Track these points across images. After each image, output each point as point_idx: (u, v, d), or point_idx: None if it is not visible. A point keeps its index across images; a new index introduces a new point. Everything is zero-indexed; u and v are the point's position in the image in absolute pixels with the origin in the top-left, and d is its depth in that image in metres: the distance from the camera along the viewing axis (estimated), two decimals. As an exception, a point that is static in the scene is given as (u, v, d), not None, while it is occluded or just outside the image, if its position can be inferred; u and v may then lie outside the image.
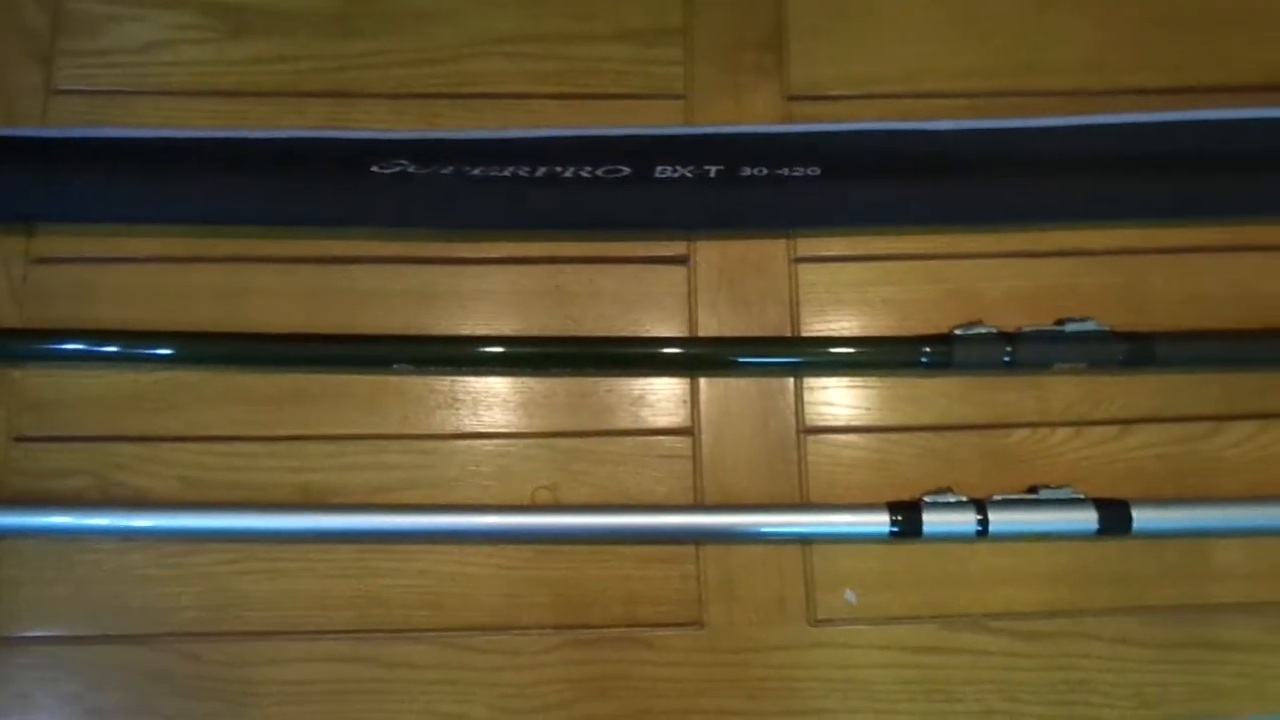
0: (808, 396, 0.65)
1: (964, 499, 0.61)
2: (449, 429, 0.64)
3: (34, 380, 0.64)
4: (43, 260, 0.66)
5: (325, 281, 0.66)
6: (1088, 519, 0.61)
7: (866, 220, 0.67)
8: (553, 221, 0.66)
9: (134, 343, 0.64)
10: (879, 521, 0.61)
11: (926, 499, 0.61)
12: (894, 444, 0.65)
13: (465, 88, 0.70)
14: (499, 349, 0.65)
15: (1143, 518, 0.61)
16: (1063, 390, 0.65)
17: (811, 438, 0.65)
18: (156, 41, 0.70)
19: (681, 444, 0.65)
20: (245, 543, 0.62)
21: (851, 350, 0.65)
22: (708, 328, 0.66)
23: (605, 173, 0.66)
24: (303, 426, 0.64)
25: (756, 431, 0.65)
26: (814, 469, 0.64)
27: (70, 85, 0.69)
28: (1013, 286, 0.67)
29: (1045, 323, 0.64)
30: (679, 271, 0.67)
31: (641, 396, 0.65)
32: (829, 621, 0.62)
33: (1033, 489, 0.62)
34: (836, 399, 0.66)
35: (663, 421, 0.65)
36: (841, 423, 0.65)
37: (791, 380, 0.66)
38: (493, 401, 0.65)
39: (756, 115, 0.70)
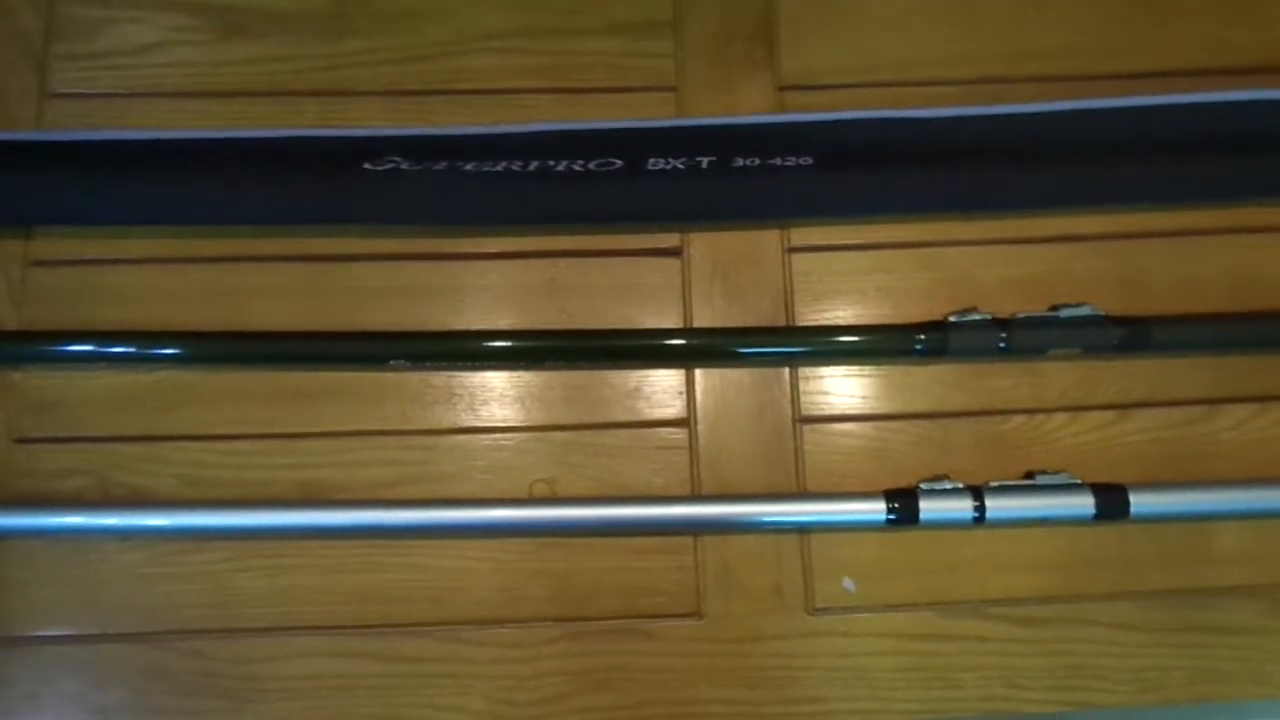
0: (803, 386, 0.66)
1: (960, 485, 0.61)
2: (446, 424, 0.65)
3: (33, 382, 0.65)
4: (41, 263, 0.67)
5: (321, 279, 0.67)
6: (1085, 504, 0.61)
7: (859, 209, 0.67)
8: (546, 216, 0.66)
9: (133, 343, 0.64)
10: (876, 509, 0.61)
11: (923, 486, 0.61)
12: (890, 432, 0.65)
13: (457, 84, 0.70)
14: (494, 344, 0.65)
15: (1140, 502, 0.61)
16: (1058, 376, 0.65)
17: (807, 427, 0.65)
18: (150, 44, 0.70)
19: (678, 435, 0.65)
20: (245, 540, 0.63)
21: (846, 339, 0.65)
22: (702, 319, 0.66)
23: (598, 166, 0.66)
24: (301, 424, 0.64)
25: (752, 422, 0.65)
26: (810, 458, 0.65)
27: (65, 89, 0.69)
28: (1007, 273, 0.67)
29: (1040, 308, 0.64)
30: (673, 263, 0.67)
31: (637, 389, 0.66)
32: (827, 610, 0.63)
33: (1029, 475, 0.62)
34: (832, 388, 0.66)
35: (659, 413, 0.65)
36: (837, 411, 0.65)
37: (787, 370, 0.66)
38: (489, 396, 0.65)
39: (748, 106, 0.70)
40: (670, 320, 0.67)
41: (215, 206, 0.66)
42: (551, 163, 0.66)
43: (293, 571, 0.62)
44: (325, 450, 0.64)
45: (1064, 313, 0.64)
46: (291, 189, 0.66)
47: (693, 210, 0.67)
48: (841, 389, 0.66)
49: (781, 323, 0.66)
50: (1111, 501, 0.61)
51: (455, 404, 0.65)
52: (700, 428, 0.65)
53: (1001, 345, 0.63)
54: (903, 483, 0.62)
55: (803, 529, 0.63)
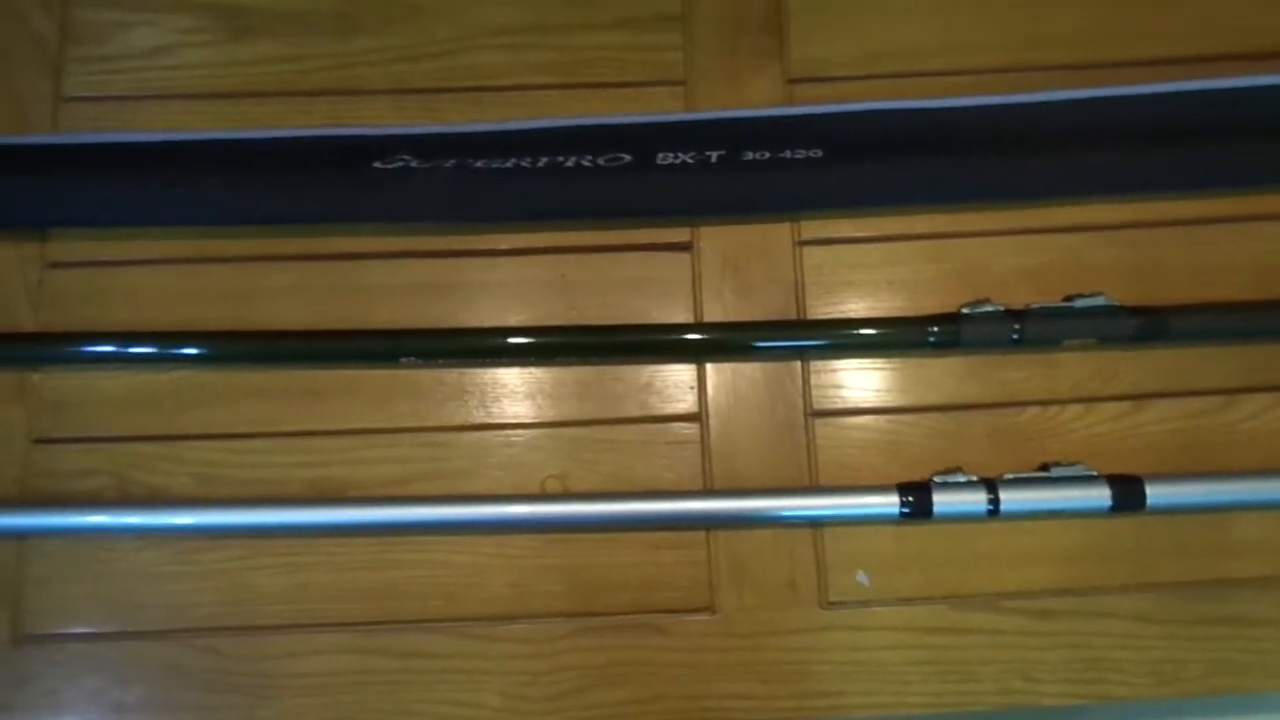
0: (815, 379, 0.65)
1: (974, 478, 0.61)
2: (458, 421, 0.65)
3: (52, 383, 0.65)
4: (57, 265, 0.67)
5: (333, 278, 0.67)
6: (1101, 496, 0.60)
7: (870, 201, 0.67)
8: (556, 212, 0.66)
9: (148, 344, 0.65)
10: (889, 503, 0.61)
11: (936, 479, 0.61)
12: (903, 425, 0.65)
13: (465, 81, 0.70)
14: (506, 340, 0.65)
15: (1156, 493, 0.60)
16: (1073, 367, 0.65)
17: (820, 420, 0.65)
18: (161, 46, 0.71)
19: (690, 430, 0.65)
20: (261, 538, 0.63)
21: (858, 332, 0.65)
22: (713, 313, 0.66)
23: (607, 161, 0.66)
24: (314, 422, 0.65)
25: (765, 416, 0.65)
26: (823, 452, 0.64)
27: (79, 92, 0.70)
28: (1020, 264, 0.66)
29: (1054, 299, 0.64)
30: (683, 258, 0.67)
31: (649, 384, 0.66)
32: (841, 604, 0.62)
33: (1044, 467, 0.62)
34: (844, 381, 0.65)
35: (670, 408, 0.65)
36: (850, 405, 0.65)
37: (799, 363, 0.65)
38: (501, 393, 0.65)
39: (758, 99, 0.69)
40: (681, 315, 0.66)
41: (227, 207, 0.67)
42: (561, 159, 0.66)
43: (307, 569, 0.63)
44: (338, 448, 0.64)
45: (1078, 303, 0.63)
46: (302, 189, 0.66)
47: (703, 204, 0.67)
48: (854, 382, 0.65)
49: (793, 316, 0.66)
50: (1128, 493, 0.60)
51: (467, 400, 0.65)
52: (712, 422, 0.65)
53: (1015, 337, 0.63)
54: (916, 476, 0.62)
55: (816, 523, 0.63)
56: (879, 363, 0.66)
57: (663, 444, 0.65)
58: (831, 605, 0.62)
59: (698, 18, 0.71)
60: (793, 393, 0.65)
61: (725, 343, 0.66)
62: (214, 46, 0.71)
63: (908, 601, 0.62)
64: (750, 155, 0.66)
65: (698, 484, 0.64)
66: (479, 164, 0.66)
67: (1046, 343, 0.64)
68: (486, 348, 0.66)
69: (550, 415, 0.65)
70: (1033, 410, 0.65)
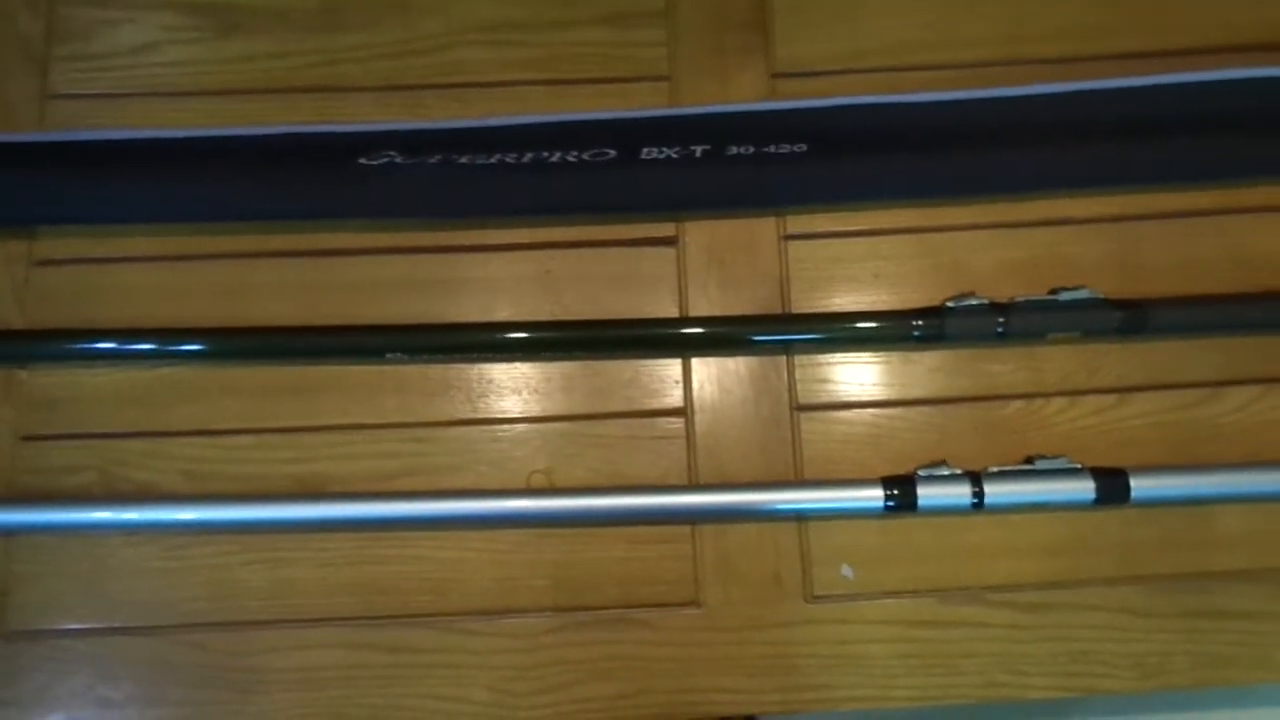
0: (800, 374, 0.65)
1: (958, 471, 0.61)
2: (444, 416, 0.65)
3: (39, 380, 0.66)
4: (44, 262, 0.67)
5: (319, 274, 0.67)
6: (1085, 488, 0.60)
7: (855, 195, 0.67)
8: (541, 207, 0.67)
9: (135, 340, 0.65)
10: (874, 496, 0.61)
11: (920, 472, 0.61)
12: (888, 418, 0.65)
13: (451, 77, 0.70)
14: (491, 336, 0.65)
15: (1141, 486, 0.60)
16: (1057, 360, 0.65)
17: (805, 414, 0.65)
18: (147, 44, 0.71)
19: (675, 424, 0.65)
20: (248, 534, 0.63)
21: (843, 326, 0.65)
22: (698, 308, 0.66)
23: (591, 156, 0.66)
24: (301, 418, 0.65)
25: (750, 410, 0.65)
26: (808, 446, 0.64)
27: (65, 90, 0.70)
28: (1004, 257, 0.66)
29: (1038, 292, 0.64)
30: (668, 253, 0.67)
31: (634, 379, 0.66)
32: (826, 598, 0.63)
33: (1028, 460, 0.62)
34: (829, 375, 0.66)
35: (656, 403, 0.65)
36: (835, 399, 0.65)
37: (784, 358, 0.66)
38: (486, 388, 0.65)
39: (743, 94, 0.69)
40: (666, 310, 0.67)
41: (213, 204, 0.67)
42: (545, 154, 0.66)
43: (294, 564, 0.63)
44: (325, 444, 0.65)
45: (1062, 296, 0.63)
46: (288, 185, 0.67)
47: (687, 199, 0.67)
48: (839, 376, 0.66)
49: (778, 310, 0.66)
50: (1112, 486, 0.60)
51: (452, 396, 0.65)
52: (698, 417, 0.65)
53: (1000, 330, 0.63)
54: (902, 470, 0.62)
55: (801, 517, 0.63)
56: (864, 356, 0.66)
57: (648, 439, 0.65)
58: (816, 599, 0.62)
59: (682, 13, 0.71)
60: (778, 387, 0.65)
61: (710, 337, 0.66)
62: (200, 43, 0.71)
63: (893, 595, 0.63)
64: (735, 150, 0.66)
65: (683, 478, 0.64)
66: (464, 160, 0.66)
67: (1031, 336, 0.64)
68: (472, 343, 0.66)
69: (536, 410, 0.65)
70: (1017, 403, 0.65)
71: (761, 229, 0.67)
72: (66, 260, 0.67)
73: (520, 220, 0.67)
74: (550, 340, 0.66)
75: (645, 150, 0.66)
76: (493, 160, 0.66)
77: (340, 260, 0.67)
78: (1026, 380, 0.65)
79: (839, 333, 0.65)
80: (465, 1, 0.71)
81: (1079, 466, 0.61)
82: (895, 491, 0.61)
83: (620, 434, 0.65)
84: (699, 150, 0.66)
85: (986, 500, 0.60)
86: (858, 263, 0.67)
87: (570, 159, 0.66)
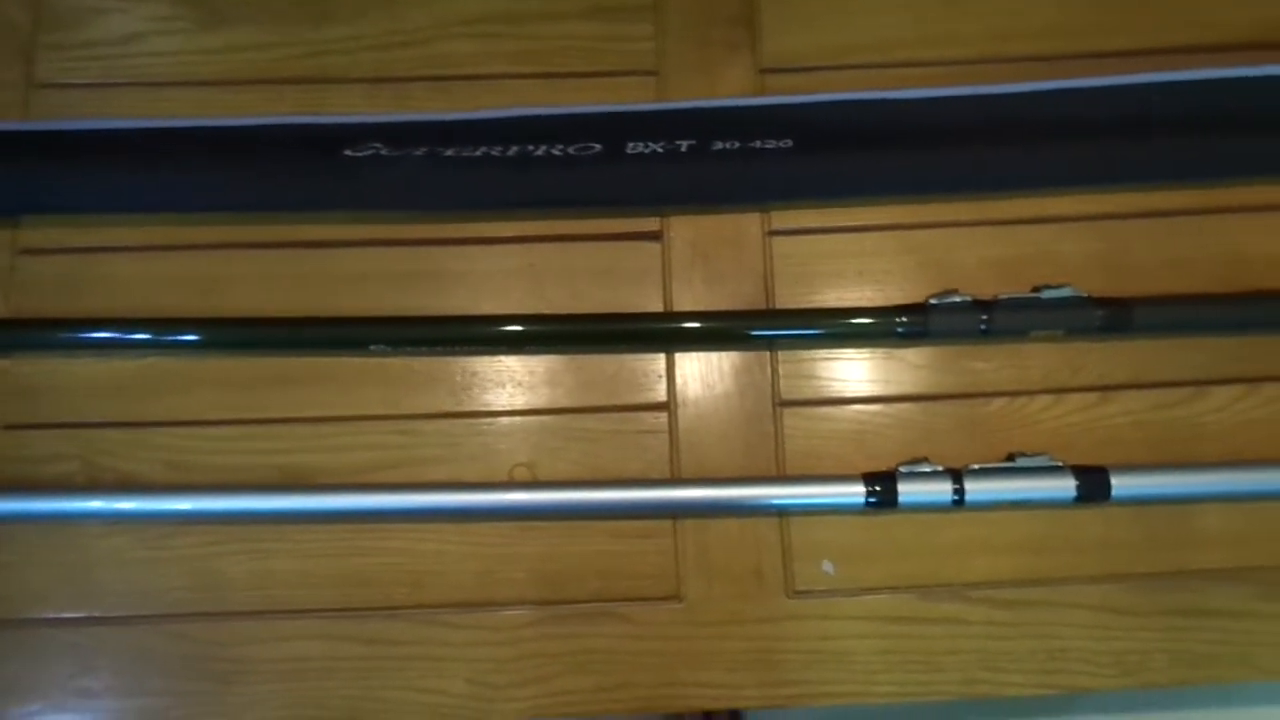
0: (783, 369, 0.65)
1: (939, 468, 0.61)
2: (427, 409, 0.65)
3: (22, 369, 0.65)
4: (29, 251, 0.67)
5: (303, 266, 0.67)
6: (1065, 486, 0.60)
7: (840, 191, 0.67)
8: (525, 200, 0.67)
9: (119, 330, 0.65)
10: (855, 492, 0.61)
11: (902, 469, 0.61)
12: (871, 415, 0.65)
13: (437, 70, 0.70)
14: (475, 329, 0.65)
15: (1121, 484, 0.60)
16: (1041, 358, 0.65)
17: (788, 410, 0.65)
18: (135, 33, 0.71)
19: (658, 419, 0.65)
20: (229, 524, 0.63)
21: (827, 322, 0.65)
22: (683, 303, 0.66)
23: (577, 150, 0.66)
24: (283, 409, 0.65)
25: (733, 405, 0.65)
26: (790, 442, 0.64)
27: (51, 79, 0.70)
28: (989, 255, 0.66)
29: (1022, 290, 0.64)
30: (653, 247, 0.67)
31: (617, 373, 0.66)
32: (807, 593, 0.63)
33: (1010, 458, 0.62)
34: (813, 371, 0.66)
35: (639, 397, 0.65)
36: (818, 395, 0.65)
37: (767, 353, 0.66)
38: (470, 381, 0.65)
39: (729, 89, 0.69)
40: (651, 304, 0.67)
41: (198, 194, 0.67)
42: (531, 147, 0.66)
43: (276, 555, 0.63)
44: (307, 435, 0.64)
45: (1046, 294, 0.63)
46: (273, 176, 0.67)
47: (673, 194, 0.67)
48: (822, 372, 0.66)
49: (762, 306, 0.66)
50: (1093, 484, 0.60)
51: (436, 389, 0.65)
52: (681, 411, 0.65)
53: (983, 327, 0.63)
54: (884, 466, 0.62)
55: (783, 512, 0.63)
56: (847, 352, 0.66)
57: (632, 433, 0.65)
58: (797, 594, 0.62)
59: (670, 7, 0.71)
60: (761, 382, 0.65)
61: (694, 332, 0.66)
62: (187, 34, 0.71)
63: (873, 591, 0.63)
64: (720, 145, 0.66)
65: (666, 473, 0.64)
66: (449, 152, 0.66)
67: (1014, 333, 0.64)
68: (456, 336, 0.66)
69: (519, 404, 0.65)
70: (1000, 401, 0.65)
71: (746, 224, 0.67)
72: (51, 250, 0.67)
73: (505, 213, 0.67)
74: (534, 334, 0.66)
75: (631, 145, 0.66)
76: (478, 153, 0.66)
77: (324, 252, 0.67)
78: (1009, 378, 0.65)
79: (823, 328, 0.65)
80: (452, -6, 0.71)
81: (1060, 464, 0.61)
82: (876, 488, 0.61)
83: (603, 428, 0.65)
84: (684, 145, 0.66)
85: (967, 497, 0.60)
86: (842, 259, 0.67)
87: (555, 153, 0.66)
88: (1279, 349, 0.65)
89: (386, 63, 0.70)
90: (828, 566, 0.63)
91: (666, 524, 0.63)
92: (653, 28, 0.71)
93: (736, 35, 0.70)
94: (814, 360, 0.66)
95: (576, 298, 0.66)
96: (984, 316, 0.63)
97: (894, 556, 0.63)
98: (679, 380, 0.65)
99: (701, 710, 0.62)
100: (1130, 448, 0.64)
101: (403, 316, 0.66)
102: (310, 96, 0.70)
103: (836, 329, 0.65)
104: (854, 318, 0.65)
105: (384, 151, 0.66)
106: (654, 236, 0.67)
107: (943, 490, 0.61)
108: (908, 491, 0.61)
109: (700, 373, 0.65)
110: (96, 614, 0.62)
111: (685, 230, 0.67)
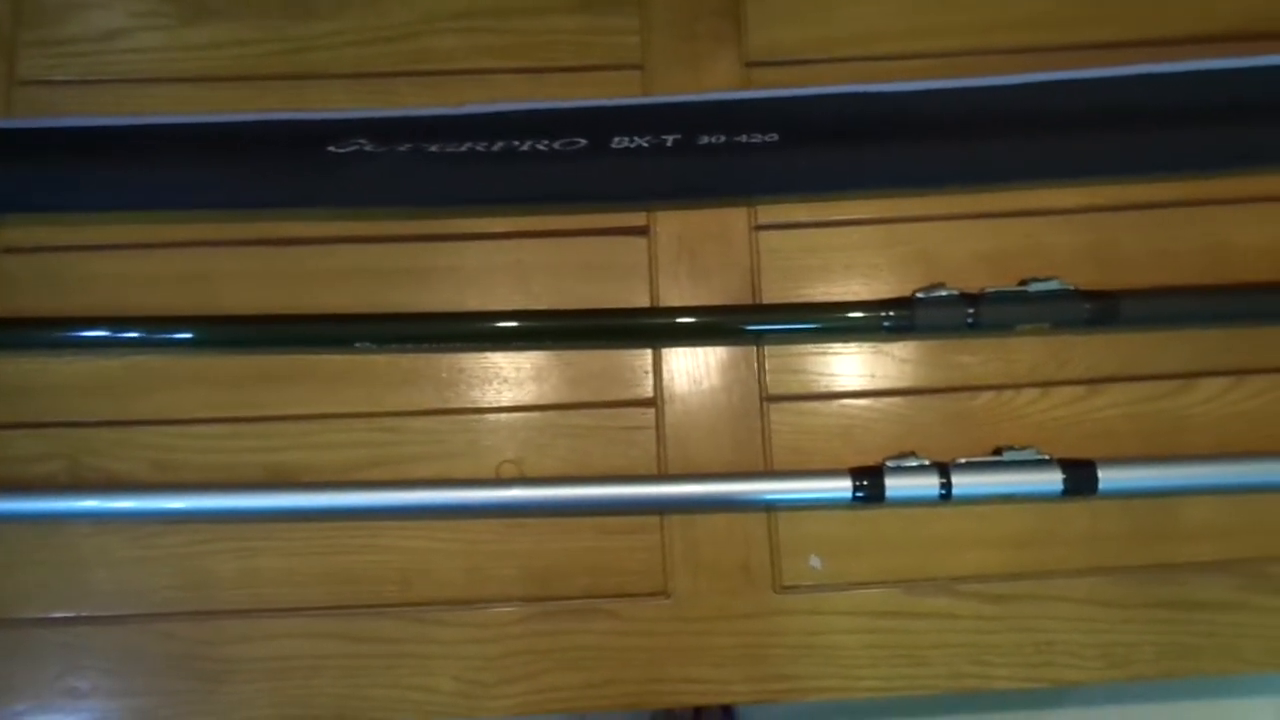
0: (770, 364, 0.65)
1: (926, 462, 0.61)
2: (413, 406, 0.65)
3: (5, 368, 0.65)
4: (11, 250, 0.67)
5: (288, 263, 0.67)
6: (1053, 480, 0.60)
7: (826, 185, 0.67)
8: (511, 196, 0.66)
9: (103, 329, 0.64)
10: (842, 487, 0.61)
11: (889, 463, 0.61)
12: (858, 409, 0.65)
13: (422, 65, 0.70)
14: (460, 325, 0.65)
15: (1109, 477, 0.60)
16: (1028, 351, 0.65)
17: (774, 405, 0.65)
18: (117, 29, 0.70)
19: (645, 415, 0.65)
20: (216, 523, 0.63)
21: (813, 316, 0.65)
22: (669, 298, 0.66)
23: (562, 145, 0.66)
24: (269, 407, 0.65)
25: (720, 400, 0.65)
26: (778, 437, 0.64)
27: (33, 76, 0.70)
28: (975, 248, 0.66)
29: (1009, 284, 0.63)
30: (639, 242, 0.67)
31: (604, 369, 0.65)
32: (794, 588, 0.62)
33: (997, 451, 0.62)
34: (799, 366, 0.65)
35: (626, 393, 0.65)
36: (805, 390, 0.65)
37: (754, 348, 0.65)
38: (456, 377, 0.65)
39: (716, 83, 0.69)
40: (637, 299, 0.66)
41: (182, 191, 0.67)
42: (516, 142, 0.66)
43: (262, 554, 0.63)
44: (293, 433, 0.64)
45: (1033, 287, 0.63)
46: (257, 173, 0.66)
47: (659, 189, 0.66)
48: (809, 367, 0.65)
49: (749, 301, 0.66)
50: (1080, 477, 0.60)
51: (422, 385, 0.65)
52: (668, 407, 0.65)
53: (970, 321, 0.63)
54: (871, 461, 0.62)
55: (770, 507, 0.63)
56: (834, 347, 0.65)
57: (618, 429, 0.65)
58: (785, 589, 0.62)
59: (655, 1, 0.70)
60: (748, 377, 0.65)
61: (681, 327, 0.66)
62: (169, 30, 0.71)
63: (861, 585, 0.63)
64: (706, 139, 0.66)
65: (653, 468, 0.64)
66: (434, 148, 0.65)
67: (1001, 327, 0.64)
68: (442, 333, 0.65)
69: (506, 400, 0.65)
70: (987, 395, 0.65)
71: (733, 219, 0.67)
72: (33, 248, 0.67)
73: (490, 209, 0.67)
74: (520, 330, 0.65)
75: (616, 139, 0.66)
76: (463, 149, 0.65)
77: (309, 249, 0.67)
78: (997, 371, 0.65)
79: (809, 323, 0.65)
80: (436, -12, 0.71)
81: (1047, 458, 0.61)
82: (864, 482, 0.61)
83: (590, 424, 0.65)
84: (670, 139, 0.66)
85: (954, 491, 0.60)
86: (829, 253, 0.67)
87: (541, 148, 0.65)
88: (1266, 341, 0.65)
89: (371, 58, 0.70)
90: (815, 561, 0.63)
91: (654, 520, 0.63)
92: (638, 21, 0.70)
93: (722, 28, 0.70)
94: (801, 355, 0.65)
95: (563, 293, 0.66)
96: (970, 310, 0.63)
97: (881, 551, 0.63)
98: (666, 376, 0.65)
99: (691, 706, 0.62)
100: (1117, 440, 0.64)
101: (388, 313, 0.65)
102: (294, 92, 0.69)
103: (823, 323, 0.65)
104: (841, 312, 0.65)
105: (368, 147, 0.66)
106: (640, 231, 0.67)
107: (930, 484, 0.61)
108: (895, 486, 0.61)
109: (687, 368, 0.65)
110: (84, 613, 0.62)
111: (671, 225, 0.67)
